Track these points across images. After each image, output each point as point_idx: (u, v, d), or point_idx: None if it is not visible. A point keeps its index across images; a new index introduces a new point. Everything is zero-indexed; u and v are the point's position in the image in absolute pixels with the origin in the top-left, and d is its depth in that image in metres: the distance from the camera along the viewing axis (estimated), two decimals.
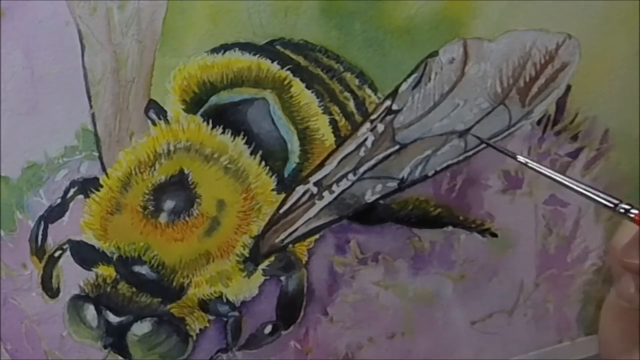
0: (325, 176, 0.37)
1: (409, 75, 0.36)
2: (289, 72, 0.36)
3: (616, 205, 0.28)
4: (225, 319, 0.38)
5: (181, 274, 0.37)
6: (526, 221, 0.41)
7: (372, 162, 0.37)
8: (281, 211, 0.37)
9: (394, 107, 0.36)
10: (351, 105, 0.36)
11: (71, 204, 0.36)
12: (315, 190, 0.37)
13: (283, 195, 0.37)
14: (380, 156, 0.37)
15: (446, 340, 0.42)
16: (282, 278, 0.38)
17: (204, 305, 0.38)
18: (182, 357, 0.38)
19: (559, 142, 0.40)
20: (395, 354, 0.41)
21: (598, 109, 0.39)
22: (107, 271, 0.36)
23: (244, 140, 0.36)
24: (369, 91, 0.36)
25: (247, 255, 0.37)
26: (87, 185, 0.36)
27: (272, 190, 0.37)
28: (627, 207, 0.28)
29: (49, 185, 0.35)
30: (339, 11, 0.35)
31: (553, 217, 0.41)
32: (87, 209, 0.36)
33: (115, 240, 0.36)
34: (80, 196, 0.36)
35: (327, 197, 0.37)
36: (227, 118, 0.36)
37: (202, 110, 0.36)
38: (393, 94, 0.36)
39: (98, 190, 0.36)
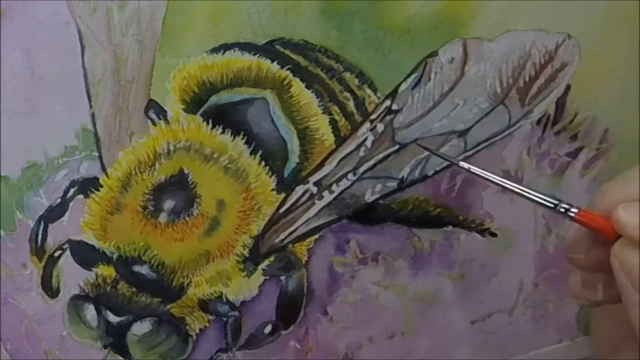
0: (325, 176, 0.37)
1: (408, 75, 0.36)
2: (288, 72, 0.36)
3: (556, 205, 0.29)
4: (225, 319, 0.38)
5: (181, 274, 0.37)
6: (526, 221, 0.41)
7: (372, 162, 0.37)
8: (281, 211, 0.37)
9: (394, 107, 0.36)
10: (351, 105, 0.36)
11: (71, 204, 0.36)
12: (315, 190, 0.37)
13: (283, 195, 0.37)
14: (380, 156, 0.37)
15: (446, 340, 0.42)
16: (282, 278, 0.38)
17: (203, 305, 0.38)
18: (182, 357, 0.38)
19: (559, 142, 0.40)
20: (395, 353, 0.41)
21: (598, 108, 0.39)
22: (107, 271, 0.36)
23: (244, 140, 0.36)
24: (368, 91, 0.36)
25: (247, 255, 0.37)
26: (87, 185, 0.36)
27: (272, 190, 0.37)
28: (566, 206, 0.29)
29: (49, 185, 0.35)
30: (339, 11, 0.35)
31: (552, 217, 0.41)
32: (87, 209, 0.36)
33: (115, 240, 0.36)
34: (80, 196, 0.36)
35: (327, 197, 0.37)
36: (227, 118, 0.36)
37: (202, 110, 0.36)
38: (393, 94, 0.36)
39: (98, 190, 0.36)
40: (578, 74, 0.38)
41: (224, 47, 0.35)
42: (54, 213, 0.36)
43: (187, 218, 0.36)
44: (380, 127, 0.36)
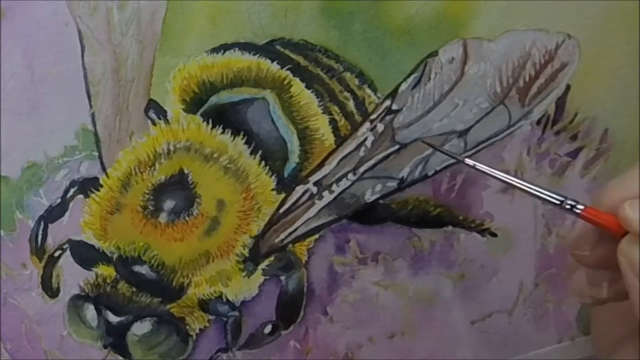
0: (325, 176, 0.37)
1: (408, 75, 0.36)
2: (288, 72, 0.36)
3: (562, 202, 0.29)
4: (225, 319, 0.38)
5: (181, 274, 0.37)
6: (526, 221, 0.41)
7: (372, 161, 0.37)
8: (281, 211, 0.37)
9: (394, 107, 0.36)
10: (351, 105, 0.36)
11: (71, 204, 0.36)
12: (315, 190, 0.37)
13: (283, 195, 0.37)
14: (380, 156, 0.37)
15: (446, 340, 0.42)
16: (282, 278, 0.38)
17: (203, 305, 0.38)
18: (182, 357, 0.38)
19: (559, 142, 0.40)
20: (395, 353, 0.41)
21: (597, 108, 0.39)
22: (107, 271, 0.36)
23: (244, 140, 0.36)
24: (368, 91, 0.36)
25: (247, 255, 0.37)
26: (87, 185, 0.36)
27: (272, 190, 0.37)
28: (572, 203, 0.29)
29: (49, 185, 0.35)
30: (339, 11, 0.35)
31: (552, 217, 0.41)
32: (87, 209, 0.36)
33: (115, 240, 0.36)
34: (80, 196, 0.36)
35: (327, 196, 0.37)
36: (227, 118, 0.36)
37: (202, 110, 0.36)
38: (393, 94, 0.36)
39: (98, 190, 0.36)
40: (578, 74, 0.38)
41: (224, 47, 0.35)
42: (54, 213, 0.36)
43: (187, 218, 0.36)
44: (380, 127, 0.37)
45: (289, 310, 0.39)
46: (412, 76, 0.36)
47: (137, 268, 0.36)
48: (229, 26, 0.34)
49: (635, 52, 0.39)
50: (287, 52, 0.35)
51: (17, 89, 0.33)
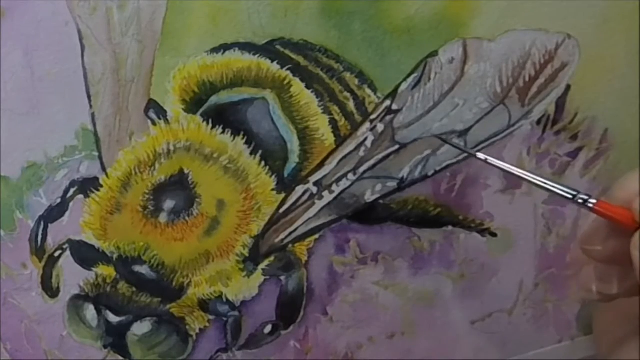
0: (325, 176, 0.37)
1: (408, 75, 0.36)
2: (288, 72, 0.36)
3: (574, 196, 0.29)
4: (225, 319, 0.38)
5: (181, 274, 0.37)
6: (526, 221, 0.41)
7: (372, 161, 0.37)
8: (281, 211, 0.37)
9: (394, 107, 0.36)
10: (351, 105, 0.36)
11: (71, 204, 0.36)
12: (315, 190, 0.37)
13: (283, 195, 0.37)
14: (380, 156, 0.37)
15: (446, 340, 0.42)
16: (282, 278, 0.38)
17: (203, 305, 0.38)
18: (182, 356, 0.38)
19: (559, 142, 0.40)
20: (395, 353, 0.41)
21: (597, 108, 0.39)
22: (107, 271, 0.36)
23: (244, 140, 0.36)
24: (368, 91, 0.36)
25: (247, 255, 0.37)
26: (87, 185, 0.36)
27: (272, 190, 0.37)
28: (585, 197, 0.29)
29: (49, 185, 0.35)
30: (339, 11, 0.35)
31: (552, 217, 0.41)
32: (87, 209, 0.36)
33: (115, 240, 0.36)
34: (80, 196, 0.36)
35: (327, 197, 0.37)
36: (227, 118, 0.36)
37: (202, 110, 0.36)
38: (393, 94, 0.36)
39: (98, 190, 0.36)
40: (578, 74, 0.38)
41: (224, 47, 0.35)
42: (54, 213, 0.36)
43: (187, 218, 0.36)
44: (380, 127, 0.37)
45: (289, 310, 0.39)
46: (412, 76, 0.36)
47: (137, 268, 0.36)
48: (229, 26, 0.34)
49: (635, 52, 0.39)
50: (287, 52, 0.35)
51: (17, 89, 0.33)
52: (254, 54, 0.35)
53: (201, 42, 0.34)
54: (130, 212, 0.36)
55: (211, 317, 0.38)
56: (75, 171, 0.35)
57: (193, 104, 0.36)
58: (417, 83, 0.36)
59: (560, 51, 0.37)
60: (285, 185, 0.37)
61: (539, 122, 0.39)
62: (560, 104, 0.39)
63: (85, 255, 0.36)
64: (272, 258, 0.38)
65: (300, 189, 0.37)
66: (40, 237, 0.36)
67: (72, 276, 0.37)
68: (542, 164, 0.40)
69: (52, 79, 0.34)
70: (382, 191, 0.37)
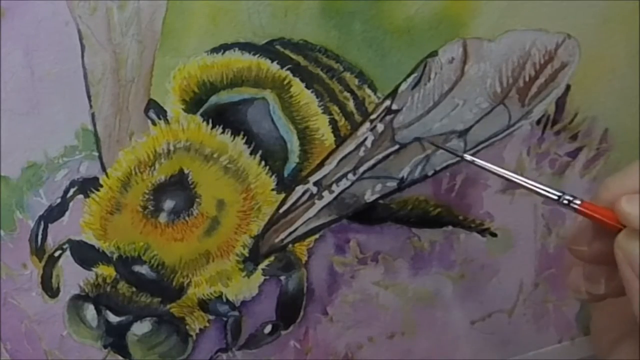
0: (325, 176, 0.37)
1: (408, 75, 0.36)
2: (288, 72, 0.36)
3: (560, 197, 0.29)
4: (225, 319, 0.38)
5: (181, 274, 0.37)
6: (526, 221, 0.41)
7: (372, 161, 0.37)
8: (281, 211, 0.37)
9: (394, 107, 0.36)
10: (351, 105, 0.36)
11: (71, 204, 0.36)
12: (315, 190, 0.37)
13: (283, 195, 0.37)
14: (380, 156, 0.37)
15: (446, 340, 0.42)
16: (282, 278, 0.38)
17: (203, 305, 0.38)
18: (182, 356, 0.38)
19: (559, 142, 0.40)
20: (395, 353, 0.41)
21: (597, 108, 0.39)
22: (107, 271, 0.36)
23: (244, 140, 0.36)
24: (368, 91, 0.36)
25: (247, 255, 0.37)
26: (87, 185, 0.36)
27: (272, 190, 0.37)
28: (570, 198, 0.29)
29: (49, 185, 0.35)
30: (339, 11, 0.35)
31: (552, 217, 0.41)
32: (87, 209, 0.36)
33: (115, 240, 0.36)
34: (80, 196, 0.36)
35: (327, 196, 0.37)
36: (227, 118, 0.36)
37: (202, 110, 0.36)
38: (393, 94, 0.36)
39: (98, 190, 0.36)
40: (578, 74, 0.38)
41: (224, 47, 0.35)
42: (54, 213, 0.36)
43: (187, 218, 0.36)
44: (380, 127, 0.37)
45: (289, 310, 0.39)
46: (412, 76, 0.36)
47: (137, 268, 0.36)
48: (229, 26, 0.34)
49: (635, 52, 0.39)
50: (287, 52, 0.35)
51: (17, 89, 0.33)
52: (254, 54, 0.35)
53: (201, 42, 0.34)
54: (130, 212, 0.36)
55: (211, 317, 0.38)
56: (75, 171, 0.35)
57: (193, 104, 0.36)
58: (417, 83, 0.36)
59: (560, 51, 0.37)
60: (285, 185, 0.37)
61: (539, 122, 0.39)
62: (560, 104, 0.39)
63: (85, 255, 0.36)
64: (272, 258, 0.38)
65: (300, 189, 0.37)
66: (40, 237, 0.36)
67: (72, 276, 0.37)
68: (542, 164, 0.40)
69: (52, 79, 0.34)
70: (382, 191, 0.37)
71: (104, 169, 0.35)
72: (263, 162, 0.36)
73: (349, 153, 0.37)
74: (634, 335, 0.32)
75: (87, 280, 0.37)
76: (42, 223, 0.36)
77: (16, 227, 0.36)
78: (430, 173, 0.37)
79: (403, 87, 0.36)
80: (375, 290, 0.40)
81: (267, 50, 0.35)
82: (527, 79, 0.37)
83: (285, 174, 0.37)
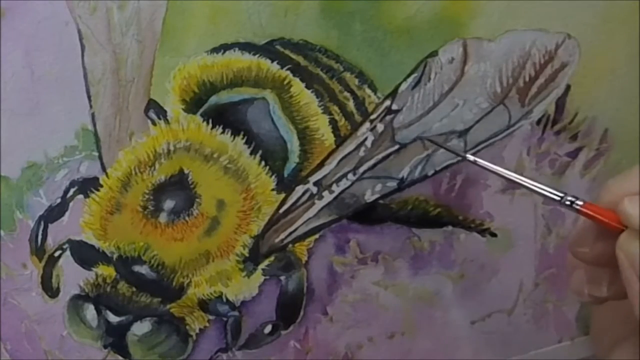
0: (325, 176, 0.37)
1: (408, 75, 0.36)
2: (288, 72, 0.36)
3: (562, 197, 0.29)
4: (225, 319, 0.38)
5: (181, 274, 0.37)
6: (526, 221, 0.41)
7: (372, 161, 0.37)
8: (281, 211, 0.37)
9: (394, 107, 0.36)
10: (351, 105, 0.36)
11: (71, 204, 0.36)
12: (315, 190, 0.37)
13: (283, 195, 0.37)
14: (380, 156, 0.37)
15: (446, 340, 0.42)
16: (282, 278, 0.38)
17: (203, 305, 0.38)
18: (182, 356, 0.38)
19: (559, 142, 0.40)
20: (395, 353, 0.41)
21: (597, 108, 0.39)
22: (107, 271, 0.36)
23: (244, 140, 0.36)
24: (368, 91, 0.36)
25: (247, 255, 0.37)
26: (87, 185, 0.36)
27: (272, 190, 0.37)
28: (572, 199, 0.29)
29: (49, 185, 0.35)
30: (339, 11, 0.35)
31: (552, 217, 0.41)
32: (87, 209, 0.36)
33: (115, 240, 0.36)
34: (80, 196, 0.36)
35: (327, 196, 0.37)
36: (227, 118, 0.36)
37: (202, 110, 0.36)
38: (393, 94, 0.36)
39: (98, 190, 0.36)
40: (578, 74, 0.38)
41: (224, 47, 0.35)
42: (54, 213, 0.36)
43: (187, 218, 0.36)
44: (380, 127, 0.37)
45: (289, 310, 0.39)
46: (412, 76, 0.36)
47: (137, 268, 0.36)
48: (229, 26, 0.34)
49: (635, 52, 0.39)
50: (287, 52, 0.35)
51: (17, 89, 0.33)
52: (254, 54, 0.35)
53: (201, 42, 0.34)
54: (130, 212, 0.36)
55: (211, 317, 0.38)
56: (75, 171, 0.35)
57: (193, 104, 0.36)
58: (417, 83, 0.36)
59: (560, 51, 0.37)
60: (285, 185, 0.37)
61: (539, 122, 0.39)
62: (560, 104, 0.39)
63: (85, 255, 0.36)
64: (272, 258, 0.38)
65: (300, 189, 0.37)
66: (40, 237, 0.36)
67: (72, 276, 0.37)
68: (542, 164, 0.40)
69: (52, 79, 0.34)
70: (382, 191, 0.37)
71: (104, 169, 0.35)
72: (263, 162, 0.36)
73: (349, 153, 0.37)
74: (634, 336, 0.32)
75: (87, 280, 0.37)
76: (42, 223, 0.36)
77: (16, 227, 0.36)
78: (430, 173, 0.37)
79: (403, 87, 0.36)
80: (375, 290, 0.40)
81: (267, 50, 0.35)
82: (527, 79, 0.37)
83: (285, 174, 0.37)
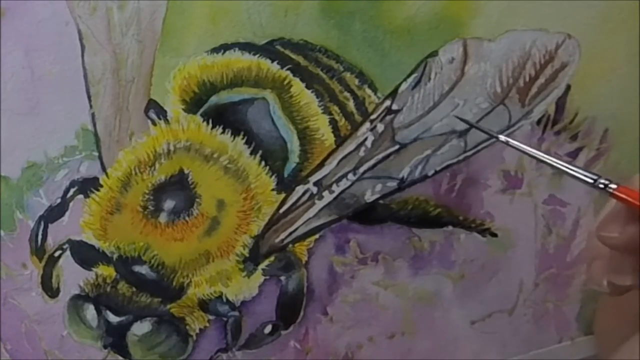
0: (325, 176, 0.37)
1: (408, 75, 0.36)
2: (288, 72, 0.36)
3: (595, 180, 0.28)
4: (225, 319, 0.38)
5: (181, 274, 0.37)
6: (526, 221, 0.41)
7: (372, 161, 0.37)
8: (281, 211, 0.37)
9: (394, 107, 0.36)
10: (351, 105, 0.36)
11: (71, 204, 0.36)
12: (315, 190, 0.37)
13: (283, 195, 0.37)
14: (380, 156, 0.37)
15: (446, 340, 0.42)
16: (282, 278, 0.38)
17: (203, 305, 0.38)
18: (182, 356, 0.38)
19: (559, 142, 0.40)
20: (395, 354, 0.41)
21: (597, 108, 0.39)
22: (107, 271, 0.36)
23: (244, 140, 0.36)
24: (368, 91, 0.36)
25: (247, 255, 0.37)
26: (87, 185, 0.36)
27: (272, 190, 0.37)
28: (605, 182, 0.28)
29: (49, 185, 0.35)
30: (339, 11, 0.35)
31: (552, 217, 0.41)
32: (87, 209, 0.36)
33: (115, 240, 0.36)
34: (80, 196, 0.36)
35: (327, 197, 0.37)
36: (227, 118, 0.36)
37: (202, 110, 0.36)
38: (393, 94, 0.36)
39: (98, 190, 0.36)
40: (578, 74, 0.38)
41: (224, 47, 0.35)
42: (54, 213, 0.36)
43: (187, 218, 0.36)
44: (380, 127, 0.36)
45: (289, 310, 0.39)
46: (412, 76, 0.36)
47: (137, 268, 0.36)
48: (229, 26, 0.34)
49: (635, 52, 0.39)
50: (287, 52, 0.35)
51: (17, 89, 0.33)
52: (254, 54, 0.35)
53: (201, 42, 0.34)
54: (130, 212, 0.36)
55: (211, 317, 0.38)
56: (75, 171, 0.35)
57: (193, 104, 0.36)
58: (417, 83, 0.36)
59: (560, 51, 0.37)
60: (285, 185, 0.37)
61: (539, 122, 0.39)
62: (560, 104, 0.39)
63: (85, 255, 0.36)
64: (272, 258, 0.38)
65: (300, 189, 0.37)
66: (40, 237, 0.36)
67: (72, 276, 0.37)
68: (542, 164, 0.40)
69: (52, 79, 0.34)
70: (382, 191, 0.37)
71: (104, 169, 0.35)
72: (263, 162, 0.36)
73: (349, 153, 0.37)
74: (639, 335, 0.32)
75: (87, 280, 0.37)
76: (42, 223, 0.36)
77: (16, 227, 0.36)
78: (430, 173, 0.37)
79: (403, 87, 0.36)
80: (375, 290, 0.40)
81: (267, 50, 0.35)
82: (527, 79, 0.37)
83: (286, 174, 0.37)
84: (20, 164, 0.35)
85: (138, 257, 0.36)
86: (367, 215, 0.38)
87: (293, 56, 0.35)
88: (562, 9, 0.37)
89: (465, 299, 0.41)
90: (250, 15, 0.34)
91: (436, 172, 0.38)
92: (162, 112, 0.35)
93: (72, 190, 0.36)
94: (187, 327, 0.38)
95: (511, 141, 0.32)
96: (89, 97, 0.34)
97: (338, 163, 0.37)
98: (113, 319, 0.37)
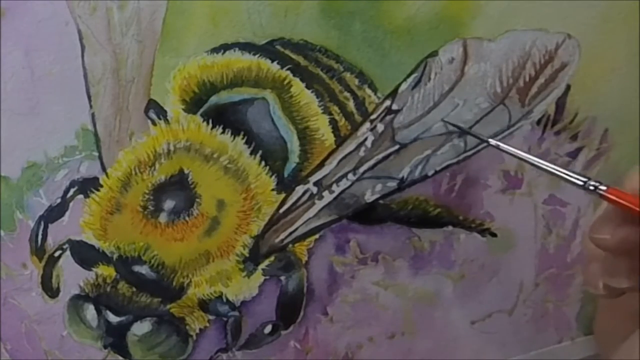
0: (325, 176, 0.37)
1: (408, 75, 0.36)
2: (288, 72, 0.36)
3: (585, 182, 0.28)
4: (225, 319, 0.38)
5: (181, 274, 0.37)
6: (526, 221, 0.41)
7: (372, 161, 0.37)
8: (281, 211, 0.37)
9: (394, 107, 0.36)
10: (351, 105, 0.36)
11: (71, 204, 0.36)
12: (315, 190, 0.37)
13: (283, 195, 0.37)
14: (380, 156, 0.37)
15: (446, 340, 0.42)
16: (282, 278, 0.38)
17: (204, 305, 0.38)
18: (182, 356, 0.38)
19: (559, 142, 0.40)
20: (395, 354, 0.41)
21: (597, 108, 0.39)
22: (107, 271, 0.36)
23: (244, 140, 0.36)
24: (368, 91, 0.36)
25: (247, 255, 0.37)
26: (87, 185, 0.36)
27: (272, 190, 0.37)
28: (595, 184, 0.28)
29: (49, 185, 0.35)
30: (339, 11, 0.35)
31: (552, 217, 0.41)
32: (87, 209, 0.36)
33: (115, 240, 0.36)
34: (80, 196, 0.36)
35: (327, 197, 0.37)
36: (227, 118, 0.36)
37: (202, 110, 0.36)
38: (393, 94, 0.36)
39: (98, 190, 0.36)
40: (578, 74, 0.38)
41: (224, 47, 0.35)
42: (54, 213, 0.36)
43: (187, 218, 0.36)
44: (380, 127, 0.36)
45: (289, 310, 0.39)
46: (412, 76, 0.36)
47: (137, 268, 0.36)
48: (229, 26, 0.34)
49: (635, 52, 0.39)
50: (287, 52, 0.35)
51: (17, 89, 0.33)
52: (254, 54, 0.35)
53: (201, 42, 0.34)
54: (130, 212, 0.36)
55: (211, 317, 0.38)
56: (75, 171, 0.35)
57: (193, 104, 0.36)
58: (417, 83, 0.36)
59: (560, 51, 0.37)
60: (285, 185, 0.37)
61: (539, 122, 0.39)
62: (560, 104, 0.39)
63: (85, 255, 0.36)
64: (272, 258, 0.38)
65: (300, 189, 0.37)
66: (40, 237, 0.36)
67: (72, 276, 0.37)
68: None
69: (52, 79, 0.34)
70: (382, 191, 0.37)
71: (104, 169, 0.35)
72: (263, 162, 0.36)
73: (349, 153, 0.37)
74: (639, 335, 0.32)
75: (87, 280, 0.37)
76: (42, 223, 0.36)
77: (16, 227, 0.36)
78: (430, 173, 0.37)
79: (403, 87, 0.36)
80: (375, 290, 0.40)
81: (267, 50, 0.35)
82: (527, 79, 0.37)
83: (285, 174, 0.37)
84: (20, 164, 0.35)
85: (138, 257, 0.36)
86: (367, 215, 0.38)
87: (293, 56, 0.35)
88: (562, 9, 0.37)
89: (465, 299, 0.41)
90: (250, 15, 0.34)
91: (436, 172, 0.38)
92: (162, 112, 0.35)
93: (72, 190, 0.36)
94: (187, 327, 0.38)
95: (502, 145, 0.32)
96: (89, 97, 0.34)
97: (338, 163, 0.37)
98: (113, 319, 0.37)
